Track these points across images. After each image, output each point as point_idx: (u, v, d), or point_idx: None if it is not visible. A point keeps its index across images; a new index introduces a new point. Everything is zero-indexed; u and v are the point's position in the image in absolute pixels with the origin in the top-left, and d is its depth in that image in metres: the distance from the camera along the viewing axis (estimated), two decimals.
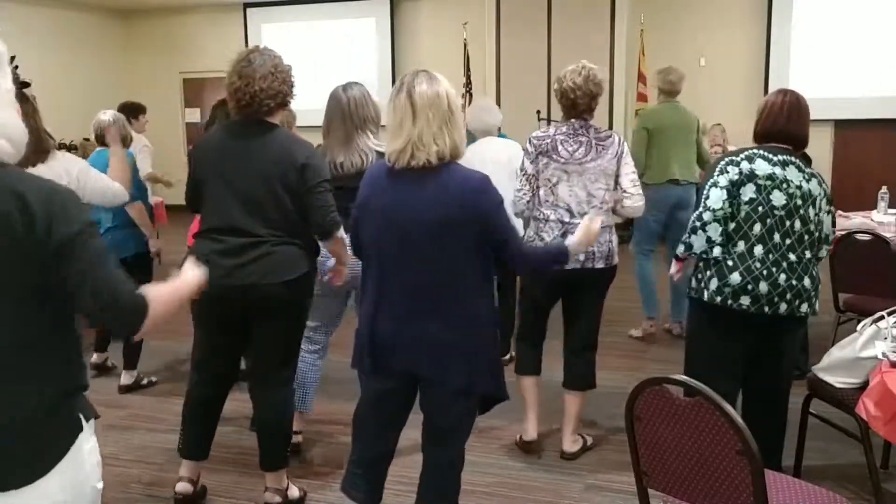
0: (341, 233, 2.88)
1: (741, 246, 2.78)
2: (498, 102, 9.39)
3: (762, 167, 2.77)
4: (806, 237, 2.78)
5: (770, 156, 2.80)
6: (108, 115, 4.43)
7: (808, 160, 9.80)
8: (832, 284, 4.15)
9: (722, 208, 2.77)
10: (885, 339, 2.58)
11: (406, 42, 10.50)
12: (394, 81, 11.94)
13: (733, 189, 2.77)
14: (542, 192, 3.31)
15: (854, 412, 2.54)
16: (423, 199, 2.22)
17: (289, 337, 2.93)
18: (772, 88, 8.74)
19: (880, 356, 2.52)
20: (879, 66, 8.51)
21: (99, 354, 4.72)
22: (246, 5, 11.01)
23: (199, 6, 11.10)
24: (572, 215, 3.25)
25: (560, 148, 3.27)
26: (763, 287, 2.73)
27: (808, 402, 3.03)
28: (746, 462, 1.81)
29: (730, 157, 2.85)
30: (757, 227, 2.76)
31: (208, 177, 2.83)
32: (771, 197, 2.75)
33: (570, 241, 2.58)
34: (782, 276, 2.74)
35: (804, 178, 2.78)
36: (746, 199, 2.77)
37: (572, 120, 3.32)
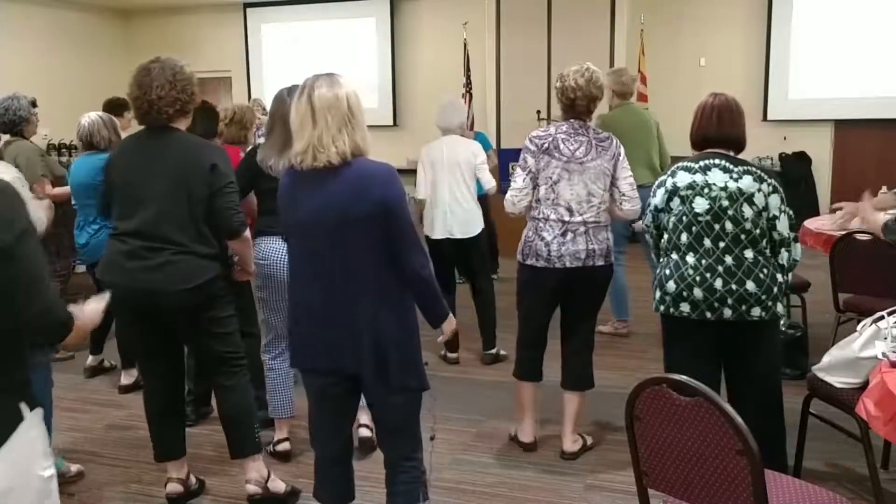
0: (247, 233, 2.96)
1: (674, 256, 2.86)
2: (498, 102, 9.42)
3: (682, 179, 2.84)
4: (743, 237, 2.77)
5: (691, 165, 2.85)
6: (87, 118, 4.29)
7: (807, 160, 9.67)
8: (832, 284, 4.14)
9: (649, 227, 2.99)
10: (885, 339, 2.58)
11: (406, 42, 10.50)
12: (394, 81, 11.87)
13: (657, 213, 2.93)
14: (542, 190, 3.31)
15: (854, 412, 2.54)
16: (327, 196, 2.25)
17: (212, 337, 2.94)
18: (772, 88, 8.88)
19: (880, 356, 2.51)
20: (879, 66, 8.51)
21: (94, 357, 4.71)
22: (246, 5, 11.01)
23: (199, 6, 11.10)
24: (572, 214, 3.27)
25: (562, 146, 3.28)
26: (698, 293, 2.77)
27: (808, 402, 3.03)
28: (746, 462, 1.81)
29: (661, 178, 2.94)
30: (684, 237, 2.82)
31: (117, 183, 2.90)
32: (693, 205, 2.79)
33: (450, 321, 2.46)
34: (718, 281, 2.75)
35: (731, 178, 2.78)
36: (675, 212, 2.85)
37: (571, 119, 3.34)
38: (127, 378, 4.44)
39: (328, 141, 2.22)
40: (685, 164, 2.87)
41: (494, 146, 8.45)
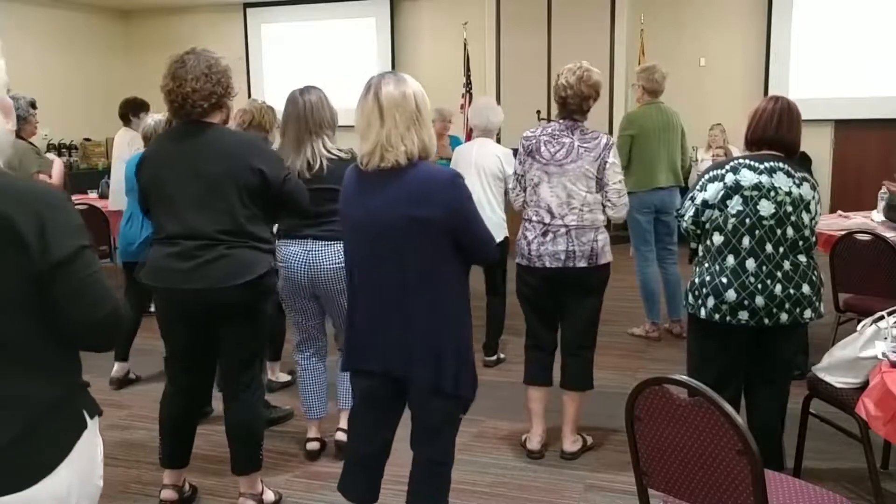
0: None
1: (731, 260, 2.75)
2: (498, 102, 9.37)
3: (747, 177, 2.74)
4: (801, 243, 2.74)
5: (756, 164, 2.76)
6: (153, 118, 4.23)
7: (807, 160, 9.74)
8: (832, 284, 4.14)
9: (693, 224, 2.84)
10: (885, 339, 2.58)
11: (406, 42, 10.49)
12: None
13: (704, 209, 2.79)
14: (528, 191, 3.36)
15: (854, 412, 2.54)
16: (392, 198, 2.24)
17: (249, 339, 2.89)
18: (772, 88, 8.87)
19: (880, 356, 2.51)
20: (879, 66, 8.50)
21: (120, 365, 4.54)
22: (246, 5, 11.00)
23: (199, 6, 11.09)
24: (553, 216, 3.27)
25: (543, 149, 3.29)
26: (760, 301, 2.71)
27: (808, 402, 3.03)
28: (746, 462, 1.81)
29: (714, 172, 2.83)
30: (746, 240, 2.73)
31: (155, 183, 2.82)
32: (758, 207, 2.71)
33: None
34: (778, 287, 2.71)
35: (794, 183, 2.74)
36: (734, 211, 2.74)
37: (561, 120, 3.33)
38: (119, 370, 4.45)
39: (397, 140, 2.20)
40: (747, 161, 2.77)
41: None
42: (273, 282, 2.89)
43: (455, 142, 6.15)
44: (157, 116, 4.32)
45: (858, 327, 2.75)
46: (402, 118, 2.21)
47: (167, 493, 3.07)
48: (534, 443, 3.52)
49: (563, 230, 3.26)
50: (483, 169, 4.52)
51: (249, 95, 10.26)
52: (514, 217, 3.92)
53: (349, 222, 2.37)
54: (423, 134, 2.24)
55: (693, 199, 2.86)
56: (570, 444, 3.49)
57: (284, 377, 4.46)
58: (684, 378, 1.93)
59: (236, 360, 2.91)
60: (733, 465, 1.84)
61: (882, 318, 2.66)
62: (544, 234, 3.28)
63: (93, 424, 1.62)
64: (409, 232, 2.23)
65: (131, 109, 5.87)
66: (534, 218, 3.32)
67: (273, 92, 10.61)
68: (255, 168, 2.72)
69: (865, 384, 2.55)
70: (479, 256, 2.44)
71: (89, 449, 1.60)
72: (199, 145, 2.74)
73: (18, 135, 4.74)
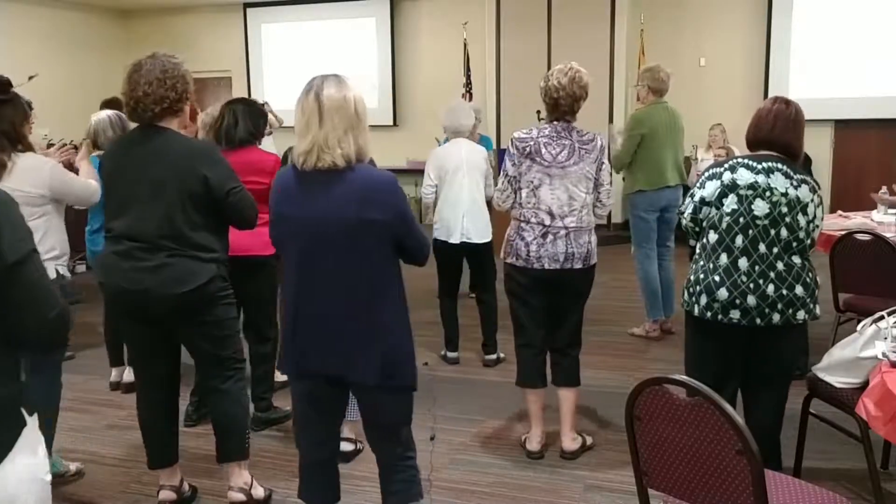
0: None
1: (724, 259, 2.74)
2: (498, 102, 9.43)
3: (744, 176, 2.73)
4: (794, 244, 2.73)
5: (754, 164, 2.76)
6: (96, 117, 4.22)
7: (808, 161, 9.72)
8: (832, 284, 4.14)
9: (692, 221, 2.85)
10: (885, 339, 2.58)
11: (406, 42, 10.50)
12: (394, 81, 11.87)
13: (701, 206, 2.80)
14: (523, 193, 3.33)
15: (854, 412, 2.54)
16: (332, 200, 2.24)
17: (202, 340, 2.89)
18: (772, 88, 8.89)
19: (880, 356, 2.51)
20: (879, 66, 8.51)
21: (118, 370, 4.50)
22: (246, 5, 11.01)
23: (199, 6, 11.10)
24: (553, 218, 3.27)
25: (544, 151, 3.27)
26: (751, 300, 2.70)
27: (808, 402, 3.03)
28: (746, 462, 1.81)
29: (713, 170, 2.84)
30: (739, 239, 2.72)
31: (108, 184, 2.86)
32: (753, 207, 2.70)
33: None
34: (770, 287, 2.70)
35: (792, 184, 2.72)
36: (729, 210, 2.73)
37: (555, 122, 3.33)
38: (117, 375, 4.45)
39: (334, 142, 2.21)
40: (746, 161, 2.77)
41: (494, 146, 8.45)
42: (219, 287, 2.85)
43: (485, 140, 6.12)
44: (101, 114, 4.25)
45: (858, 327, 2.75)
46: (341, 121, 2.23)
47: (165, 494, 3.07)
48: (533, 443, 3.52)
49: (562, 232, 3.27)
50: (473, 168, 4.57)
51: (249, 95, 10.27)
52: (499, 216, 3.90)
53: (289, 221, 2.33)
54: (359, 139, 2.26)
55: (693, 196, 2.87)
56: (570, 441, 3.49)
57: (284, 377, 4.46)
58: (684, 378, 1.93)
59: (201, 359, 2.96)
60: (733, 465, 1.84)
61: (882, 318, 2.66)
62: (544, 235, 3.28)
63: (32, 421, 1.64)
64: (359, 233, 2.24)
65: (113, 108, 5.85)
66: (532, 219, 3.31)
67: (273, 92, 10.63)
68: (200, 175, 2.73)
69: (865, 384, 2.55)
70: (419, 257, 2.44)
71: (30, 446, 1.63)
72: (149, 150, 2.76)
73: None
